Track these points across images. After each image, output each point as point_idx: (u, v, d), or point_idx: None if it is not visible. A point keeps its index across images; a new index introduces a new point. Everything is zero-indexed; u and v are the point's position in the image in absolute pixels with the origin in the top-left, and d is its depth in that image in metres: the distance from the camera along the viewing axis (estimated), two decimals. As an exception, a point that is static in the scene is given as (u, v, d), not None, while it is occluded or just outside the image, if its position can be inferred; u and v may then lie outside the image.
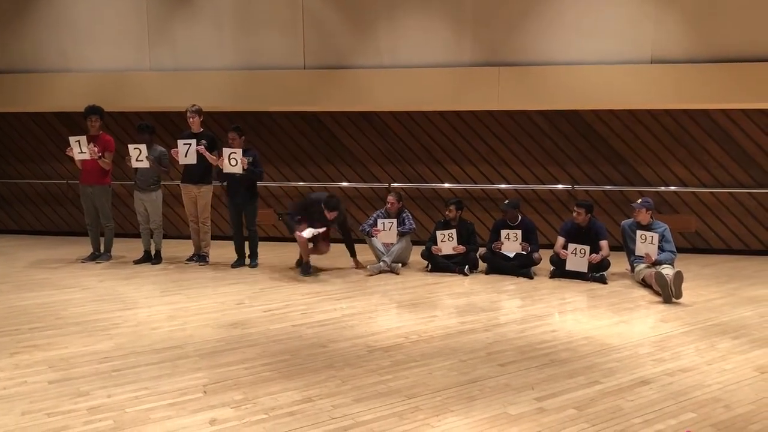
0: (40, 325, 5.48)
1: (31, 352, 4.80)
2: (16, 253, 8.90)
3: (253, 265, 8.01)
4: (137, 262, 8.13)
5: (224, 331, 5.35)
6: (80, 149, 7.76)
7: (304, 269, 7.56)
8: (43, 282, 7.15)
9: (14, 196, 10.68)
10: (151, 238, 8.23)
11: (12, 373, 4.37)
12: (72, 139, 7.77)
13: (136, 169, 7.95)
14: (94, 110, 7.97)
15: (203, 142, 7.80)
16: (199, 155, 7.76)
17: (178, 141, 7.78)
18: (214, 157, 7.84)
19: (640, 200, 7.42)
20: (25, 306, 6.12)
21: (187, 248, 8.52)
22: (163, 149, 8.04)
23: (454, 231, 7.66)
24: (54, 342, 5.03)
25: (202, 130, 8.02)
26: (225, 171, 7.69)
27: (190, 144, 7.73)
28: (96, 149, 7.82)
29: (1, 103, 9.97)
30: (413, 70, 9.06)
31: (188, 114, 7.94)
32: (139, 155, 7.75)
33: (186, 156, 7.75)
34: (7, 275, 7.49)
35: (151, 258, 8.19)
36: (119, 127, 10.00)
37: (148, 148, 7.82)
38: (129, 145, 7.79)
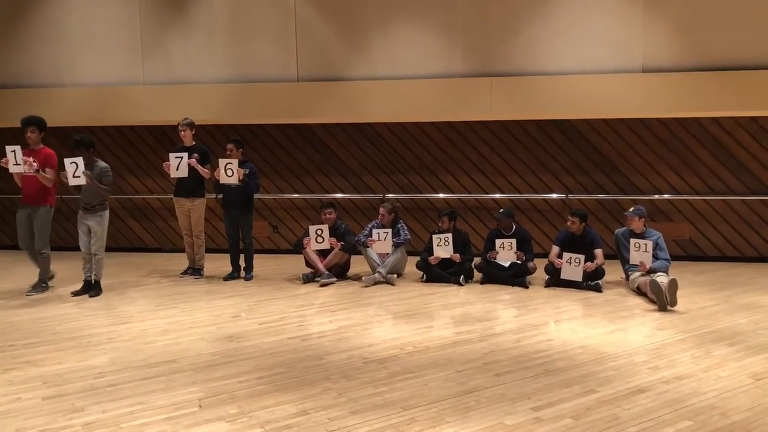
0: (35, 341, 5.45)
1: (25, 368, 4.77)
2: (11, 269, 8.87)
3: (249, 277, 8.00)
4: (75, 294, 7.11)
5: (219, 344, 5.34)
6: (15, 161, 6.81)
7: (324, 277, 7.68)
8: (38, 297, 7.11)
9: (8, 212, 10.64)
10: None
11: (6, 389, 4.34)
12: (8, 149, 6.83)
13: (78, 187, 7.01)
14: (31, 121, 7.11)
15: (195, 155, 7.80)
16: (191, 169, 7.76)
17: (170, 155, 7.77)
18: (207, 171, 7.85)
19: (632, 208, 7.45)
20: (20, 322, 6.09)
21: (181, 262, 8.50)
22: (104, 165, 7.10)
23: (450, 235, 7.67)
24: (48, 358, 5.00)
25: (194, 143, 8.02)
26: (221, 182, 7.68)
27: (181, 157, 7.70)
28: (35, 163, 6.90)
29: (-6, 118, 9.96)
30: (406, 81, 9.09)
31: (180, 127, 7.94)
32: (75, 171, 6.80)
33: (177, 169, 7.72)
34: (2, 291, 7.45)
35: (90, 288, 7.15)
36: (113, 141, 10.00)
37: (89, 164, 6.92)
38: (65, 160, 6.85)
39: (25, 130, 7.12)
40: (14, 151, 6.85)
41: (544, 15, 8.86)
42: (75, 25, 9.80)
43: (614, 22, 8.71)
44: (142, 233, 10.30)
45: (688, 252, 9.22)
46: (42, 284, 7.32)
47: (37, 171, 6.95)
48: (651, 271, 7.01)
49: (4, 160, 6.89)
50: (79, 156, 6.88)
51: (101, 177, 7.04)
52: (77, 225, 7.18)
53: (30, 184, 7.09)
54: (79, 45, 9.81)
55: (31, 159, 6.92)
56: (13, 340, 5.47)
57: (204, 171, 7.85)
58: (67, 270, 8.36)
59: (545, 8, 8.85)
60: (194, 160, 7.75)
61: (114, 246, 9.74)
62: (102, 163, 7.13)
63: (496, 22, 8.94)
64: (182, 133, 7.93)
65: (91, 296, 7.07)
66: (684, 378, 4.47)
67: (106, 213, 7.18)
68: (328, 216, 7.90)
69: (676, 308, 6.41)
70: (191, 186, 7.91)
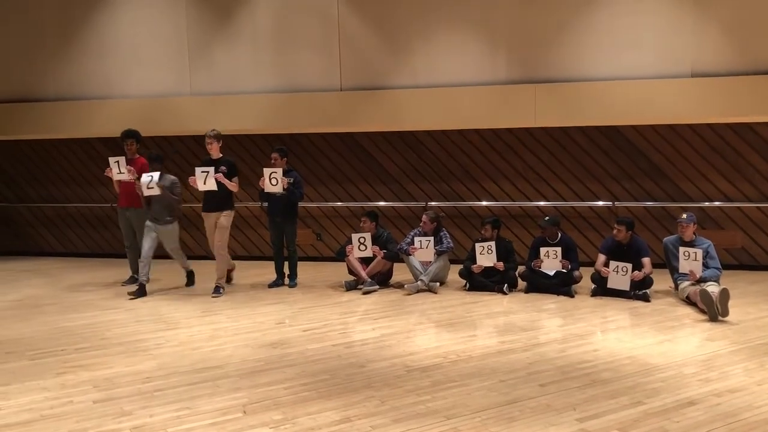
0: (86, 346, 5.60)
1: (77, 372, 4.91)
2: (62, 275, 9.13)
3: (293, 284, 8.07)
4: (132, 294, 7.56)
5: (264, 350, 5.40)
6: (119, 170, 7.70)
7: (367, 285, 7.72)
8: (88, 303, 7.31)
9: (61, 219, 10.98)
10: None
11: (59, 392, 4.47)
12: (111, 160, 7.71)
13: (149, 199, 7.66)
14: (130, 134, 8.08)
15: (222, 168, 7.58)
16: (219, 182, 7.53)
17: (196, 169, 7.57)
18: (234, 184, 7.62)
19: (686, 215, 7.25)
20: (71, 327, 6.26)
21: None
22: (174, 178, 7.77)
23: (493, 243, 7.62)
24: (98, 362, 5.14)
25: (221, 155, 7.74)
26: (266, 190, 7.76)
27: (208, 171, 7.45)
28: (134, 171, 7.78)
29: (49, 130, 10.29)
30: (448, 89, 9.07)
31: (207, 139, 7.69)
32: (150, 182, 7.51)
33: (205, 183, 7.46)
34: (54, 297, 7.68)
35: (141, 288, 7.63)
36: (161, 151, 10.21)
37: (160, 177, 7.59)
38: (143, 175, 7.60)
39: (125, 142, 8.09)
40: (117, 161, 7.70)
41: (589, 19, 8.75)
42: (125, 40, 10.08)
43: (662, 26, 8.54)
44: (189, 241, 10.48)
45: (740, 261, 8.95)
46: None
47: (138, 178, 7.71)
48: (701, 281, 6.83)
49: (108, 170, 7.73)
50: (153, 170, 7.64)
51: (172, 188, 7.67)
52: (144, 229, 7.73)
53: (127, 190, 7.99)
54: (128, 58, 10.09)
55: (129, 167, 7.75)
56: (65, 345, 5.63)
57: (231, 185, 7.61)
58: (123, 273, 8.59)
59: (590, 13, 8.74)
60: (221, 174, 7.51)
61: (161, 253, 9.93)
62: (171, 176, 7.79)
63: (539, 28, 8.86)
64: (209, 145, 7.66)
65: (187, 285, 8.06)
66: (737, 391, 4.34)
67: (176, 225, 7.85)
68: (362, 225, 7.95)
69: (727, 319, 6.22)
70: (220, 200, 7.63)
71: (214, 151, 7.71)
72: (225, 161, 7.72)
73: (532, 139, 9.39)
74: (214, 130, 7.76)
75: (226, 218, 7.70)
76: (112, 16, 10.11)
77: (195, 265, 8.34)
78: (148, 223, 7.71)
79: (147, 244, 7.63)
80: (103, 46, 10.16)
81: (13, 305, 7.25)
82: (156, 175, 7.59)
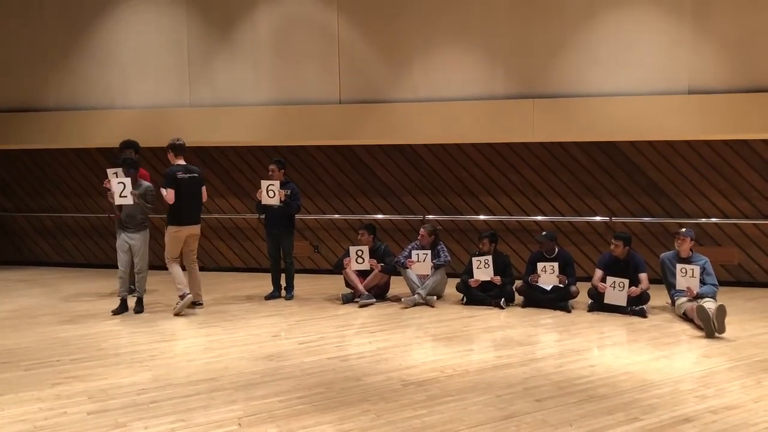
0: (81, 357, 5.58)
1: (72, 383, 4.89)
2: (59, 285, 9.11)
3: (289, 297, 8.06)
4: (115, 312, 7.22)
5: (259, 363, 5.38)
6: (117, 180, 7.25)
7: (363, 298, 7.70)
8: (84, 314, 7.29)
9: (58, 229, 10.96)
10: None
11: (53, 403, 4.45)
12: (110, 171, 7.56)
13: (120, 207, 7.24)
14: (128, 144, 7.93)
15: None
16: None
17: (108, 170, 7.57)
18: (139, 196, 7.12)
19: (684, 229, 7.28)
20: (67, 337, 6.24)
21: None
22: (149, 185, 7.39)
23: (490, 257, 7.62)
24: (94, 373, 5.12)
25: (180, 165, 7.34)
26: (263, 203, 7.78)
27: (123, 184, 7.14)
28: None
29: (49, 140, 10.31)
30: (447, 103, 9.11)
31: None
32: (122, 191, 7.10)
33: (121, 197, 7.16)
34: (50, 307, 7.66)
35: (127, 307, 7.31)
36: (160, 162, 10.23)
37: (133, 184, 7.20)
38: (111, 180, 7.21)
39: (123, 152, 7.76)
40: (116, 173, 7.45)
41: (588, 36, 8.80)
42: (126, 51, 10.12)
43: (660, 43, 8.60)
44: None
45: (737, 278, 8.96)
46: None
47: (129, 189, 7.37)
48: (698, 297, 6.84)
49: (106, 181, 7.36)
50: (127, 176, 7.17)
51: (146, 196, 7.29)
52: (116, 244, 7.40)
53: None
54: (129, 69, 10.12)
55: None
56: (60, 356, 5.61)
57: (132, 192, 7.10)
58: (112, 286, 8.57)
59: (589, 29, 8.79)
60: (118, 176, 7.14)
61: (158, 264, 9.91)
62: (146, 183, 7.41)
63: (538, 43, 8.92)
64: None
65: (136, 312, 7.25)
66: (733, 408, 4.34)
67: (147, 231, 7.43)
68: (360, 238, 7.97)
69: (724, 335, 6.22)
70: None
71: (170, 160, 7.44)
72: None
73: (530, 153, 9.42)
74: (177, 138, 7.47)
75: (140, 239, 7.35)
76: (114, 27, 10.15)
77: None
78: (120, 234, 7.33)
79: (124, 258, 7.28)
80: (104, 57, 10.19)
81: (9, 315, 7.23)
82: (128, 181, 7.13)
